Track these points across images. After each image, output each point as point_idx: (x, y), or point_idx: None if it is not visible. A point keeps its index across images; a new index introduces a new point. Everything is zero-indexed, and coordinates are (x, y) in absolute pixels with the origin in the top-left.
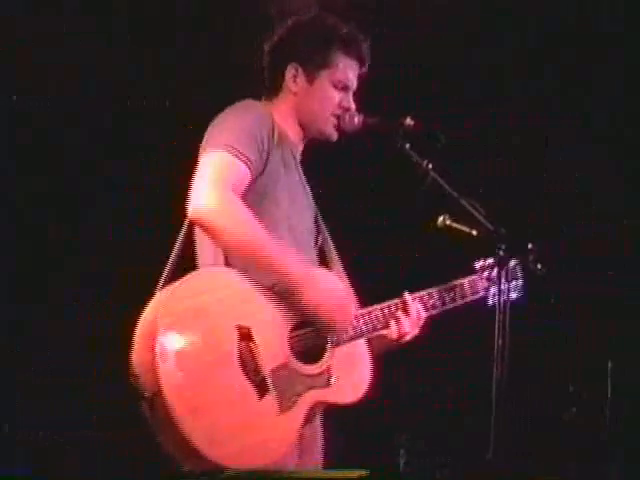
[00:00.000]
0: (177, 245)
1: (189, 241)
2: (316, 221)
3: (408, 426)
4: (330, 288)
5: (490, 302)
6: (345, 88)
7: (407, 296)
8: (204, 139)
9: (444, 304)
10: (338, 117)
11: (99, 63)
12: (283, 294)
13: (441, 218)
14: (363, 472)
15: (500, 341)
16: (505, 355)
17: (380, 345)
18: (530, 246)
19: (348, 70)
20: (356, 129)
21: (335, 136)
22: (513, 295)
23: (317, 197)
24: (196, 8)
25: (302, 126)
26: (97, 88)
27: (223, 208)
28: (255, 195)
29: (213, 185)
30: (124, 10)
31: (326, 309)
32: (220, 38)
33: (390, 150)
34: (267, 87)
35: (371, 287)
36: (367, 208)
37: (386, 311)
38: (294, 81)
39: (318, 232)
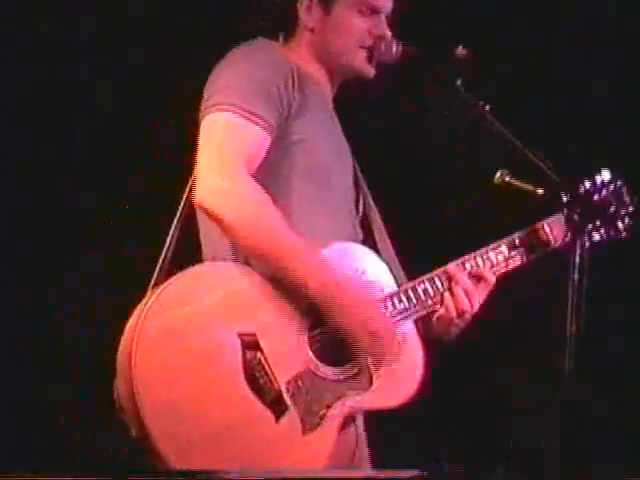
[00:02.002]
0: (173, 232)
1: (189, 224)
2: (356, 179)
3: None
4: (365, 301)
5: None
6: (375, 12)
7: (451, 266)
8: (204, 97)
9: (522, 259)
10: (371, 48)
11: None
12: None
13: (499, 173)
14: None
15: (573, 325)
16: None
17: (439, 327)
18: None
19: None
20: (394, 61)
21: (371, 71)
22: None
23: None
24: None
25: (328, 66)
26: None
27: (235, 196)
28: (277, 163)
29: (221, 162)
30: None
31: (361, 330)
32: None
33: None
34: (279, 28)
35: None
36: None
37: (436, 283)
38: (309, 14)
39: (359, 193)
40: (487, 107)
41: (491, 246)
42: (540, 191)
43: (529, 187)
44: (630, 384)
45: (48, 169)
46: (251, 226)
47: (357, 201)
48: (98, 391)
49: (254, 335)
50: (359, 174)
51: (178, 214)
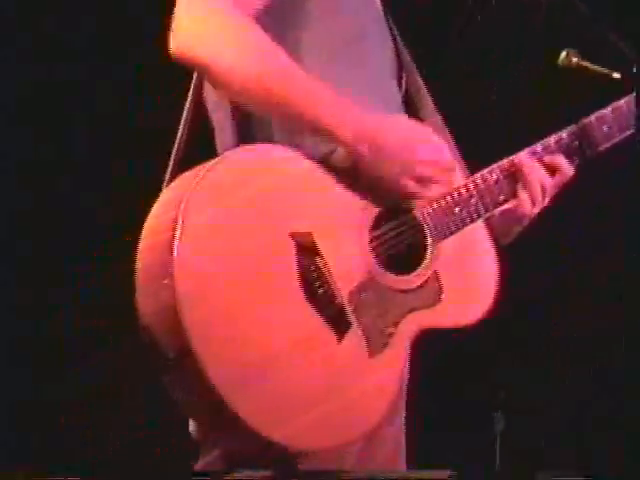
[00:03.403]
0: (183, 125)
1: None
2: (397, 50)
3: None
4: (403, 135)
5: None
6: None
7: (523, 155)
8: None
9: (597, 144)
10: None
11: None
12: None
13: (564, 53)
14: (450, 472)
15: None
16: None
17: (501, 225)
18: None
19: None
20: None
21: None
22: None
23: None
24: None
25: None
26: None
27: (212, 27)
28: (291, 22)
29: (199, 2)
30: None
31: (406, 177)
32: None
33: None
34: None
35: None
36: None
37: (508, 174)
38: None
39: (401, 68)
40: None
41: (556, 135)
42: (617, 75)
43: (602, 69)
44: (630, 384)
45: (48, 169)
46: (245, 60)
47: (400, 77)
48: (98, 391)
49: (310, 236)
50: (399, 41)
51: (187, 107)
